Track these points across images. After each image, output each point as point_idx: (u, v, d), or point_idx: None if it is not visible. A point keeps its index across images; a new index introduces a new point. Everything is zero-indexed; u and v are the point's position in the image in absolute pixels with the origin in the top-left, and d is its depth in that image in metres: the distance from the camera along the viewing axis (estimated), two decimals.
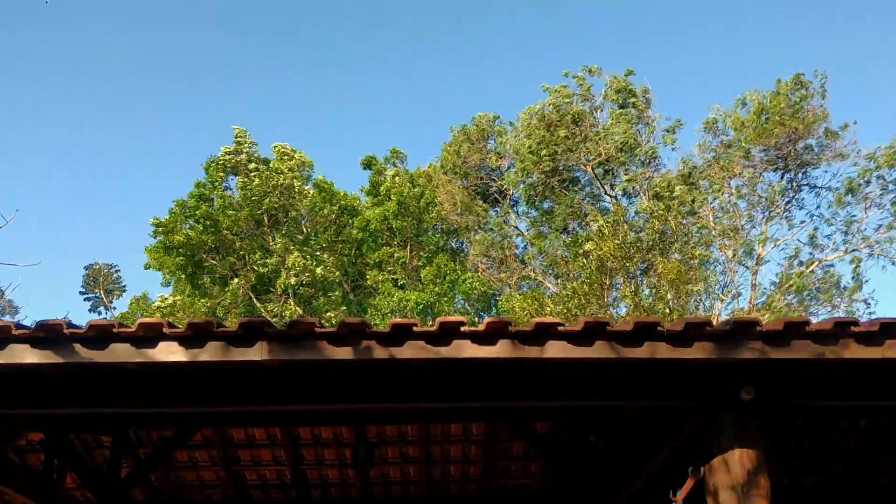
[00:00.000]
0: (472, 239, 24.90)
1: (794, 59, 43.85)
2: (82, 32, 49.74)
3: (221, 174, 26.54)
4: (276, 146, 26.89)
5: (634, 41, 42.83)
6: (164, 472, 7.05)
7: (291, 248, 24.85)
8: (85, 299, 33.43)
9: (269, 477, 7.21)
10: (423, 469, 7.06)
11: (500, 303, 23.20)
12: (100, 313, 32.92)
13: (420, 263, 25.45)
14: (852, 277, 21.15)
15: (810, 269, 21.24)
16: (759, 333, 3.89)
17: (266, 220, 25.86)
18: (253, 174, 25.50)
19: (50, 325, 3.76)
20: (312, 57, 51.24)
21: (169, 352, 3.81)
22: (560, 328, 3.87)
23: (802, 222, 21.92)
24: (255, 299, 25.05)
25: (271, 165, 26.15)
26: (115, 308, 32.34)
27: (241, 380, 4.18)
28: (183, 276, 26.28)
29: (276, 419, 6.22)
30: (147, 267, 27.26)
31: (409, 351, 3.85)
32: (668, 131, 22.80)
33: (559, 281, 21.19)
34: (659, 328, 3.87)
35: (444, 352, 3.85)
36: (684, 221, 20.08)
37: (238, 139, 26.39)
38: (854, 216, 21.07)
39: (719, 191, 21.06)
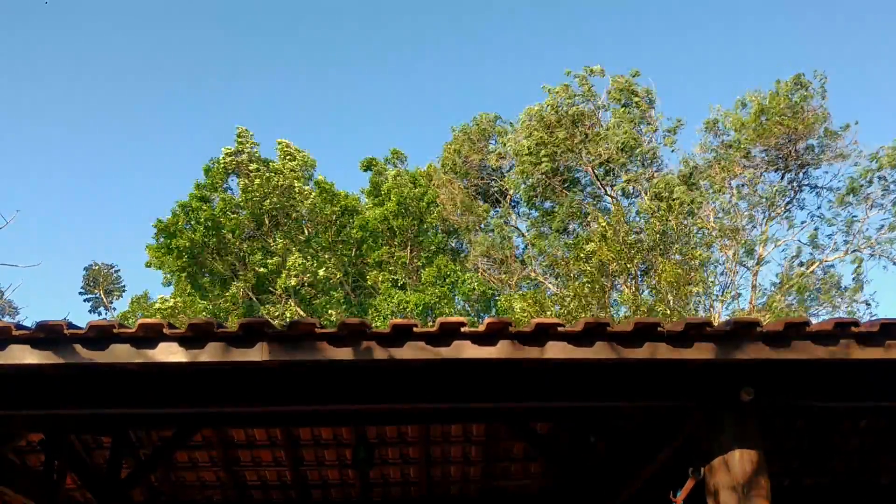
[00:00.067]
0: (473, 240, 24.91)
1: (794, 59, 43.89)
2: (82, 32, 49.79)
3: (222, 176, 26.51)
4: (280, 142, 26.83)
5: (634, 41, 42.86)
6: (164, 472, 7.05)
7: (292, 248, 24.85)
8: (85, 300, 33.49)
9: (269, 477, 7.20)
10: (424, 470, 7.06)
11: (498, 302, 23.20)
12: (100, 314, 32.97)
13: (420, 264, 25.44)
14: (853, 278, 21.17)
15: (811, 269, 21.24)
16: (760, 334, 3.89)
17: (266, 222, 25.86)
18: (254, 174, 25.49)
19: (50, 325, 3.76)
20: (312, 57, 51.27)
21: (169, 352, 3.81)
22: (560, 329, 3.87)
23: (803, 222, 21.96)
24: (255, 300, 25.05)
25: (272, 166, 26.13)
26: (114, 308, 32.38)
27: (241, 380, 4.18)
28: (183, 276, 26.27)
29: (276, 420, 6.22)
30: (148, 265, 27.25)
31: (410, 351, 3.84)
32: (668, 132, 22.84)
33: (559, 280, 21.20)
34: (659, 329, 3.87)
35: (445, 352, 3.85)
36: (685, 222, 20.09)
37: (240, 138, 26.38)
38: (855, 216, 21.10)
39: (720, 191, 21.07)
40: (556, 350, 3.86)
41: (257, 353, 3.82)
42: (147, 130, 50.07)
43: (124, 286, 33.77)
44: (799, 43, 40.77)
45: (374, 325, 3.98)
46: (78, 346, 3.80)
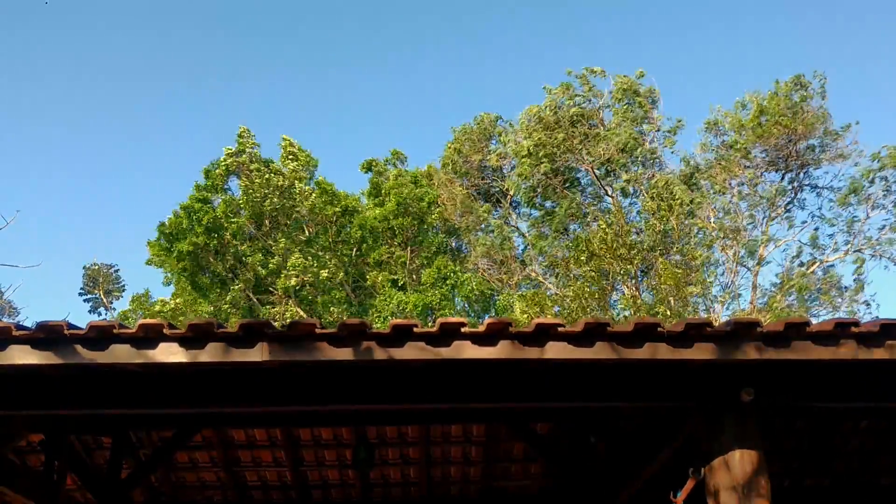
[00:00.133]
0: (473, 240, 24.90)
1: (794, 60, 43.89)
2: (82, 32, 49.86)
3: (222, 178, 26.48)
4: (284, 138, 26.73)
5: (634, 41, 42.91)
6: (164, 473, 7.05)
7: (293, 248, 24.83)
8: (85, 300, 33.53)
9: (269, 478, 7.20)
10: (424, 470, 7.06)
11: (498, 303, 23.19)
12: (100, 314, 33.01)
13: (420, 264, 25.41)
14: (854, 279, 21.16)
15: (811, 269, 21.23)
16: (760, 334, 3.88)
17: (267, 223, 25.84)
18: (254, 174, 25.46)
19: (50, 326, 3.76)
20: (312, 57, 51.35)
21: (169, 353, 3.81)
22: (560, 329, 3.86)
23: (804, 223, 21.94)
24: (255, 301, 25.04)
25: (272, 167, 26.10)
26: (114, 308, 32.40)
27: (241, 381, 4.18)
28: (183, 276, 26.26)
29: (276, 420, 6.22)
30: (149, 262, 27.23)
31: (410, 352, 3.84)
32: (669, 132, 22.83)
33: (559, 280, 21.19)
34: (659, 329, 3.87)
35: (445, 353, 3.84)
36: (685, 222, 20.09)
37: (241, 138, 26.36)
38: (856, 217, 21.08)
39: (720, 191, 21.06)
40: (556, 350, 3.86)
41: (257, 354, 3.82)
42: (147, 130, 50.18)
43: (124, 286, 33.82)
44: (799, 43, 40.84)
45: (374, 325, 3.97)
46: (78, 347, 3.80)
